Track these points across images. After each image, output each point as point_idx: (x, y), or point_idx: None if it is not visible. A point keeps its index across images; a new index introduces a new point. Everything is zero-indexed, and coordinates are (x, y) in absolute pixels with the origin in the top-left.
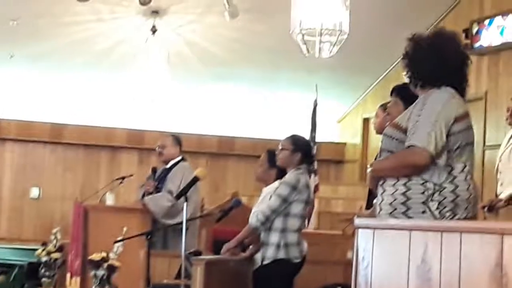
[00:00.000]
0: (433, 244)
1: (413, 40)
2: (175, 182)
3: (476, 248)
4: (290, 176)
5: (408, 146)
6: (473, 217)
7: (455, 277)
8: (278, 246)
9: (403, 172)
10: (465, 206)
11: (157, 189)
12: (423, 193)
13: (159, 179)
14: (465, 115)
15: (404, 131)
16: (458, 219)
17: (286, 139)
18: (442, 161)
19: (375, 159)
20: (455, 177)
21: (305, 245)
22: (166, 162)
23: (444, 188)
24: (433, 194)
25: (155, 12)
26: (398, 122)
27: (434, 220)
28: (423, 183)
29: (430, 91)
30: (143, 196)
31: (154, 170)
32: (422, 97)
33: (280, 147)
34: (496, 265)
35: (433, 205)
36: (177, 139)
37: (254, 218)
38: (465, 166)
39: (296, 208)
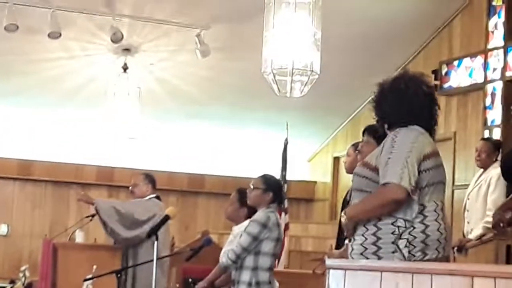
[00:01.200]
0: (404, 286)
1: (379, 85)
2: (132, 202)
3: None
4: (260, 214)
5: (383, 184)
6: (445, 258)
7: None
8: (249, 284)
9: (382, 211)
10: (435, 247)
11: None
12: (393, 233)
13: None
14: (434, 153)
15: (374, 169)
16: (428, 259)
17: (257, 178)
18: (415, 197)
19: (344, 198)
20: (425, 217)
21: (276, 284)
22: None
23: (414, 228)
24: (402, 232)
25: (127, 50)
26: (367, 161)
27: (404, 259)
28: (393, 223)
29: (398, 129)
30: None
31: None
32: (390, 135)
33: (251, 186)
34: None
35: (402, 243)
36: (149, 177)
37: (224, 257)
38: (437, 206)
39: (267, 246)
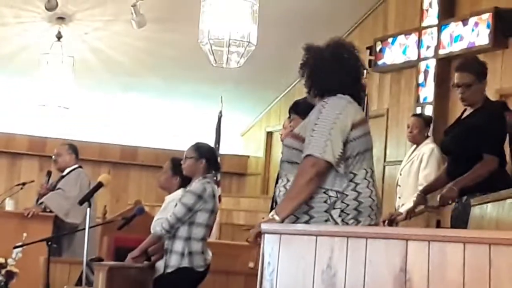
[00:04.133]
0: (339, 250)
1: (313, 50)
2: (68, 183)
3: (381, 253)
4: (196, 185)
5: (305, 156)
6: (376, 224)
7: (360, 282)
8: (182, 254)
9: (312, 187)
10: (368, 213)
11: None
12: (325, 201)
13: (53, 186)
14: (362, 121)
15: (303, 140)
16: (362, 226)
17: (189, 147)
18: (341, 169)
19: (278, 174)
20: (357, 184)
21: (209, 254)
22: (62, 170)
23: (346, 195)
24: (335, 202)
25: (61, 18)
26: (297, 132)
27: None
28: (325, 192)
29: (326, 98)
30: (37, 200)
31: (48, 174)
32: (318, 104)
33: (184, 156)
34: (401, 270)
35: (335, 213)
36: (73, 147)
37: (158, 226)
38: (367, 173)
39: (201, 217)
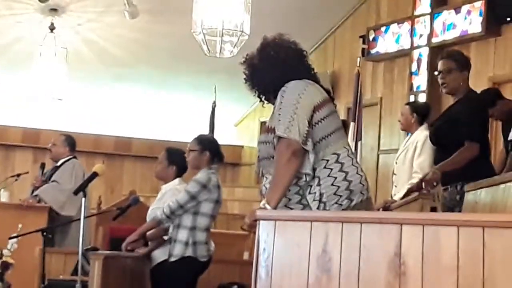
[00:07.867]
0: (334, 235)
1: (247, 62)
2: (63, 176)
3: (375, 238)
4: (201, 174)
5: (278, 140)
6: (369, 199)
7: (355, 267)
8: (186, 243)
9: (291, 169)
10: (360, 190)
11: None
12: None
13: (48, 176)
14: (325, 101)
15: (273, 131)
16: (355, 204)
17: (192, 140)
18: (309, 146)
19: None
20: (342, 164)
21: (212, 244)
22: (56, 160)
23: (335, 178)
24: (305, 186)
25: (54, 10)
26: (267, 125)
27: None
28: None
29: (284, 86)
30: (32, 192)
31: (42, 166)
32: (279, 93)
33: (188, 149)
34: (395, 254)
35: (310, 198)
36: (69, 139)
37: (159, 211)
38: (348, 151)
39: (206, 207)
